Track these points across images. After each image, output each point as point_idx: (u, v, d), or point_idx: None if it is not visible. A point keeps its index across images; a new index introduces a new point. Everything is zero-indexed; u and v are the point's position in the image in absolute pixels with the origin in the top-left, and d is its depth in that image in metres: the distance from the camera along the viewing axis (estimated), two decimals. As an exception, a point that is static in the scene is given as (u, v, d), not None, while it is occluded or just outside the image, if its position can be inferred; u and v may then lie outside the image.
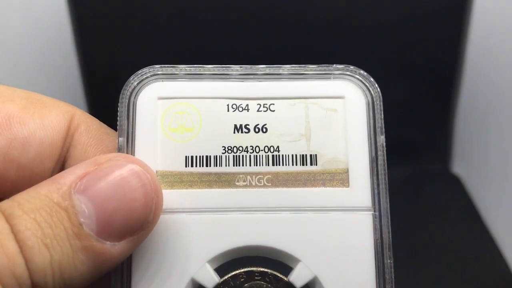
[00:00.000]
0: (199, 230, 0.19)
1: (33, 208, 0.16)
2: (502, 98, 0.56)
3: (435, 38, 0.48)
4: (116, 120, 0.20)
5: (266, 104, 0.21)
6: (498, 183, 0.57)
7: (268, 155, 0.20)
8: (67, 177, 0.17)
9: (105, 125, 0.21)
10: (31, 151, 0.19)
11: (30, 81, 0.50)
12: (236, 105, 0.21)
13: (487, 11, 0.51)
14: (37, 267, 0.16)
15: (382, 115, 0.21)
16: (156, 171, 0.20)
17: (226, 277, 0.20)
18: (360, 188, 0.20)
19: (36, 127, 0.20)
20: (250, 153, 0.20)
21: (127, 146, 0.20)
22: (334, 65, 0.21)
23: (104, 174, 0.17)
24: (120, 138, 0.20)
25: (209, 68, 0.21)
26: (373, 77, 0.21)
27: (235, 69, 0.21)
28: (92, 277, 0.17)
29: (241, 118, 0.20)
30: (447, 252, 0.48)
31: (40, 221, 0.16)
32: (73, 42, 0.43)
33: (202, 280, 0.19)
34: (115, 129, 0.21)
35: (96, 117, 0.22)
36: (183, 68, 0.21)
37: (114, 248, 0.17)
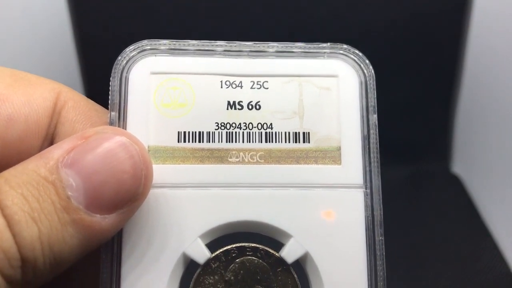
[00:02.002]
0: (191, 205, 0.20)
1: (20, 183, 0.17)
2: (502, 98, 0.57)
3: (435, 38, 0.49)
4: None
5: (260, 81, 0.21)
6: (498, 183, 0.58)
7: (261, 132, 0.21)
8: (55, 152, 0.18)
9: (93, 102, 0.22)
10: (16, 129, 0.20)
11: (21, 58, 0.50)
12: (229, 82, 0.21)
13: (487, 12, 0.52)
14: (25, 241, 0.16)
15: (375, 94, 0.21)
16: (148, 146, 0.20)
17: (217, 252, 0.20)
18: (352, 166, 0.21)
19: (21, 104, 0.20)
20: (243, 129, 0.21)
21: (119, 121, 0.21)
22: (327, 43, 0.22)
23: (92, 147, 0.18)
24: (112, 113, 0.20)
25: (194, 43, 0.21)
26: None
27: (220, 44, 0.21)
28: (82, 251, 0.18)
29: (234, 94, 0.21)
30: (447, 252, 0.49)
31: (27, 195, 0.17)
32: (68, 15, 0.43)
33: (193, 254, 0.20)
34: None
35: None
36: (166, 43, 0.21)
37: (105, 221, 0.18)
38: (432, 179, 0.59)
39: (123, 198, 0.18)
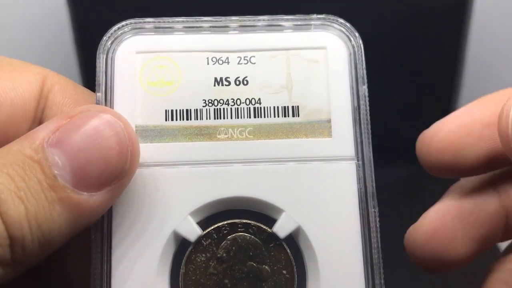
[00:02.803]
0: (181, 183, 0.20)
1: (5, 163, 0.17)
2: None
3: (435, 38, 0.49)
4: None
5: (247, 56, 0.21)
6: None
7: (249, 108, 0.21)
8: (40, 132, 0.18)
9: (80, 86, 0.22)
10: (2, 113, 0.20)
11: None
12: (216, 58, 0.21)
13: (487, 11, 0.52)
14: (13, 220, 0.16)
15: (364, 65, 0.21)
16: (136, 126, 0.20)
17: (208, 229, 0.20)
18: (342, 138, 0.21)
19: (6, 89, 0.20)
20: (231, 105, 0.21)
21: (106, 102, 0.21)
22: (314, 15, 0.21)
23: (76, 125, 0.18)
24: (98, 94, 0.20)
25: (179, 20, 0.21)
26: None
27: (206, 20, 0.21)
28: (72, 230, 0.18)
29: (221, 71, 0.21)
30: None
31: (13, 175, 0.17)
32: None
33: (184, 232, 0.20)
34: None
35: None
36: (151, 21, 0.21)
37: (92, 199, 0.18)
38: (432, 179, 0.59)
39: (110, 175, 0.18)
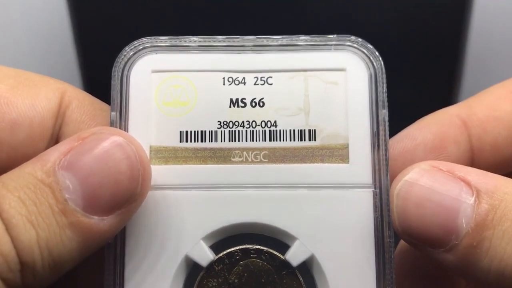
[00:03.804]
0: (194, 206, 0.20)
1: (17, 186, 0.17)
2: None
3: (435, 38, 0.48)
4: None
5: (264, 77, 0.21)
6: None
7: (265, 130, 0.20)
8: (52, 154, 0.18)
9: (98, 100, 0.22)
10: (20, 133, 0.20)
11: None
12: (232, 78, 0.21)
13: (487, 11, 0.51)
14: (24, 245, 0.17)
15: (385, 88, 0.21)
16: (150, 147, 0.20)
17: (221, 254, 0.20)
18: (360, 164, 0.20)
19: (25, 108, 0.20)
20: (247, 128, 0.20)
21: (120, 121, 0.20)
22: (334, 35, 0.21)
23: (88, 148, 0.18)
24: (112, 113, 0.20)
25: (195, 39, 0.21)
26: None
27: (222, 39, 0.21)
28: (82, 254, 0.18)
29: (237, 91, 0.21)
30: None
31: (24, 199, 0.17)
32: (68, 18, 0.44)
33: (196, 257, 0.20)
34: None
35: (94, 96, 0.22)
36: (167, 40, 0.21)
37: (103, 223, 0.18)
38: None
39: (121, 199, 0.18)
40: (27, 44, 0.52)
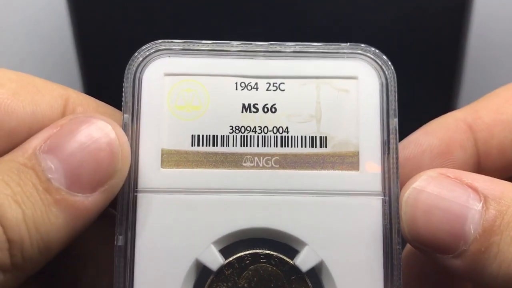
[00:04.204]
0: (205, 210, 0.20)
1: (0, 171, 0.18)
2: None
3: (435, 38, 0.49)
4: (120, 100, 0.21)
5: (276, 83, 0.21)
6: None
7: (276, 136, 0.21)
8: (32, 142, 0.18)
9: (103, 104, 0.22)
10: (18, 140, 0.19)
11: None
12: (245, 84, 0.21)
13: (487, 11, 0.51)
14: (10, 223, 0.17)
15: (396, 97, 0.21)
16: (162, 150, 0.20)
17: (230, 258, 0.20)
18: (370, 172, 0.20)
19: (26, 116, 0.20)
20: (258, 133, 0.21)
21: (132, 123, 0.20)
22: (346, 43, 0.21)
23: (67, 132, 0.19)
24: (125, 115, 0.20)
25: (208, 43, 0.21)
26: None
27: (235, 45, 0.21)
28: (69, 232, 0.18)
29: (249, 97, 0.21)
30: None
31: (8, 180, 0.17)
32: (69, 22, 0.43)
33: (206, 261, 0.20)
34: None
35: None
36: (180, 43, 0.21)
37: (87, 200, 0.18)
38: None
39: (103, 176, 0.19)
40: (27, 45, 0.52)
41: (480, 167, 0.22)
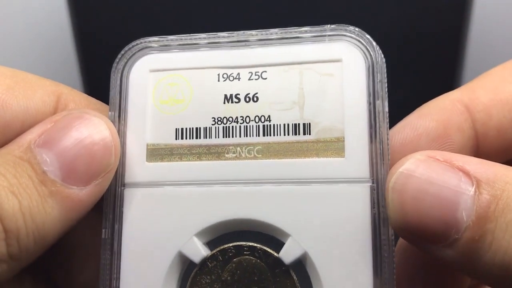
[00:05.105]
0: (188, 203, 0.20)
1: None
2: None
3: (435, 38, 0.46)
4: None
5: (258, 71, 0.21)
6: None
7: (258, 125, 0.20)
8: (27, 136, 0.19)
9: (95, 100, 0.22)
10: (11, 134, 0.20)
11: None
12: (227, 74, 0.21)
13: (487, 11, 0.49)
14: (7, 213, 0.17)
15: (385, 78, 0.20)
16: (147, 144, 0.21)
17: (214, 251, 0.20)
18: (356, 158, 0.19)
19: (19, 110, 0.20)
20: (240, 123, 0.20)
21: (119, 120, 0.21)
22: (329, 25, 0.20)
23: (61, 127, 0.19)
24: (110, 113, 0.21)
25: (199, 36, 0.21)
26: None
27: (224, 36, 0.21)
28: (64, 223, 0.19)
29: (231, 87, 0.21)
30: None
31: (4, 173, 0.18)
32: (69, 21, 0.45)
33: (189, 253, 0.20)
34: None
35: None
36: (173, 39, 0.21)
37: (82, 193, 0.19)
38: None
39: (97, 169, 0.19)
40: (27, 45, 0.54)
41: (479, 149, 0.20)
